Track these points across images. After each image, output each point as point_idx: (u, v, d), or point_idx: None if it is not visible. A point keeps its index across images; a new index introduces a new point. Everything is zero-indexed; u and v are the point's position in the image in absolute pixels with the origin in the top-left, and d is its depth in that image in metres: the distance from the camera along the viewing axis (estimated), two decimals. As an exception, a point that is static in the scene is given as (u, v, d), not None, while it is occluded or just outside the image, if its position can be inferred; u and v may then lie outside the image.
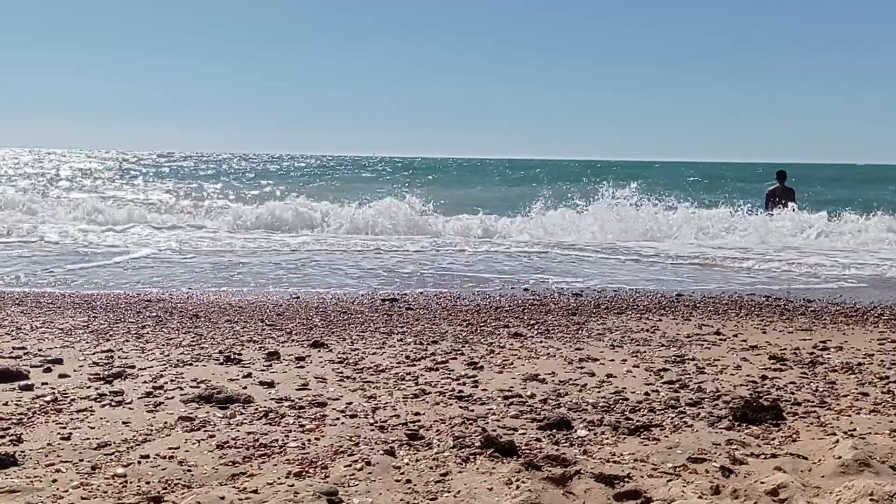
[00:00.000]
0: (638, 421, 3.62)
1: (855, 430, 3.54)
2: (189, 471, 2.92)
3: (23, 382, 4.05)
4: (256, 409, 3.73)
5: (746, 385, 4.36)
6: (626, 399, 4.02)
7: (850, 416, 3.78)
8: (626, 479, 2.86)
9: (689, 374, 4.58)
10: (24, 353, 4.76)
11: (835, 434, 3.45)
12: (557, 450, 3.20)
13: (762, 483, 2.77)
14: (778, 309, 7.12)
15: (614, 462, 3.07)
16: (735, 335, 5.83)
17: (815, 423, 3.65)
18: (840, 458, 2.98)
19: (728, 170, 61.58)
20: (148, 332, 5.53)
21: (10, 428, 3.36)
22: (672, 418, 3.69)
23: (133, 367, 4.49)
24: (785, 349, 5.33)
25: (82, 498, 2.66)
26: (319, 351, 5.04)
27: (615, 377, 4.47)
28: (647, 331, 5.96)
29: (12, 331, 5.47)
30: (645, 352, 5.19)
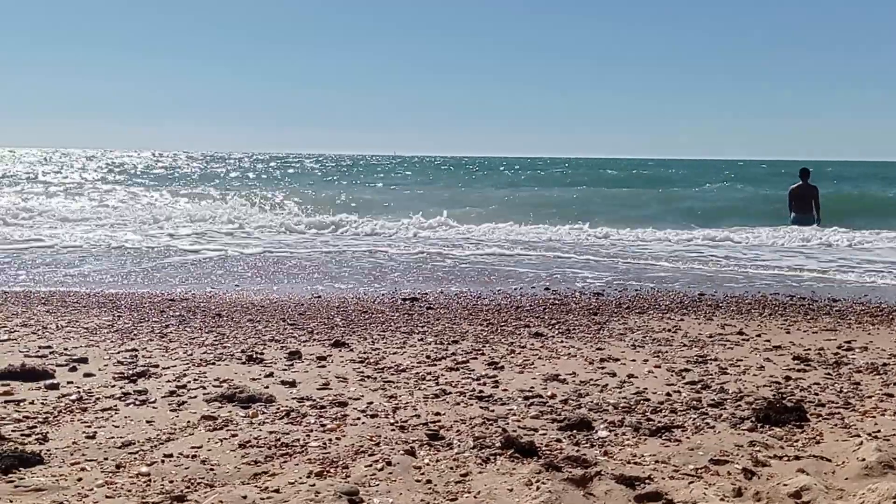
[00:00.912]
0: (659, 422, 3.61)
1: (879, 431, 3.50)
2: (212, 470, 2.95)
3: (48, 381, 4.10)
4: (278, 408, 3.75)
5: (770, 386, 4.32)
6: (648, 400, 4.00)
7: (874, 417, 3.74)
8: (647, 481, 2.84)
9: (711, 374, 4.55)
10: (50, 353, 4.82)
11: (859, 436, 3.42)
12: (578, 451, 3.19)
13: (785, 485, 2.75)
14: (802, 308, 7.05)
15: (635, 463, 3.06)
16: (758, 335, 5.79)
17: (839, 425, 3.61)
18: (864, 460, 2.95)
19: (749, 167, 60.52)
20: (171, 332, 5.58)
21: (36, 427, 3.41)
22: (694, 419, 3.67)
23: (157, 366, 4.54)
24: (809, 349, 5.28)
25: (107, 496, 2.69)
26: (340, 350, 5.07)
27: (636, 377, 4.46)
28: (669, 330, 5.93)
29: (38, 330, 5.54)
30: (667, 352, 5.16)
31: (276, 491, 2.74)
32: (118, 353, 4.88)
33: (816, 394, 4.16)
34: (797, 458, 3.14)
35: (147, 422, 3.52)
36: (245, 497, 2.68)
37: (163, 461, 3.03)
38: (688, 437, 3.40)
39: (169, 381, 4.22)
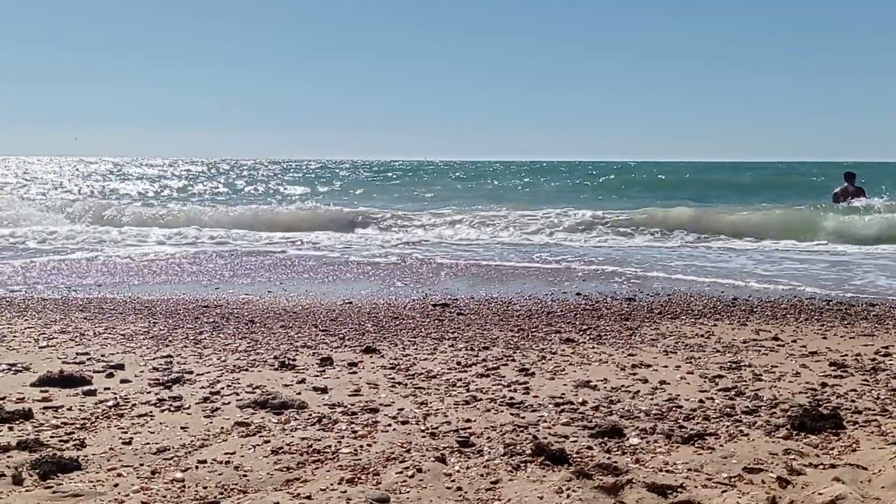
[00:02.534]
0: (692, 429, 3.58)
1: (918, 439, 3.44)
2: (245, 476, 2.99)
3: (86, 388, 4.18)
4: (310, 414, 3.79)
5: (805, 392, 4.27)
6: (680, 406, 3.97)
7: (913, 425, 3.67)
8: (679, 489, 2.82)
9: (745, 380, 4.50)
10: (88, 359, 4.91)
11: (897, 444, 3.36)
12: (609, 458, 3.18)
13: (820, 494, 2.71)
14: (839, 313, 6.94)
15: (667, 471, 3.04)
16: (794, 341, 5.71)
17: (876, 433, 3.55)
18: (902, 469, 2.90)
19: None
20: (205, 338, 5.65)
21: (73, 433, 3.47)
22: (727, 427, 3.63)
23: (191, 372, 4.60)
24: (846, 355, 5.20)
25: (142, 502, 2.73)
26: (371, 356, 5.09)
27: (668, 384, 4.42)
28: (702, 336, 5.87)
29: (76, 336, 5.64)
30: (699, 358, 5.11)
31: (308, 497, 2.77)
32: (154, 359, 4.95)
33: (853, 401, 4.09)
34: (833, 466, 3.10)
35: (182, 428, 3.57)
36: (277, 503, 2.71)
37: (197, 467, 3.07)
38: (721, 445, 3.36)
39: (203, 387, 4.28)
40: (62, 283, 8.74)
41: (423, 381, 4.47)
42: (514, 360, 4.99)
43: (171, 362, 4.86)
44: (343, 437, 3.45)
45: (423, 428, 3.59)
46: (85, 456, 3.16)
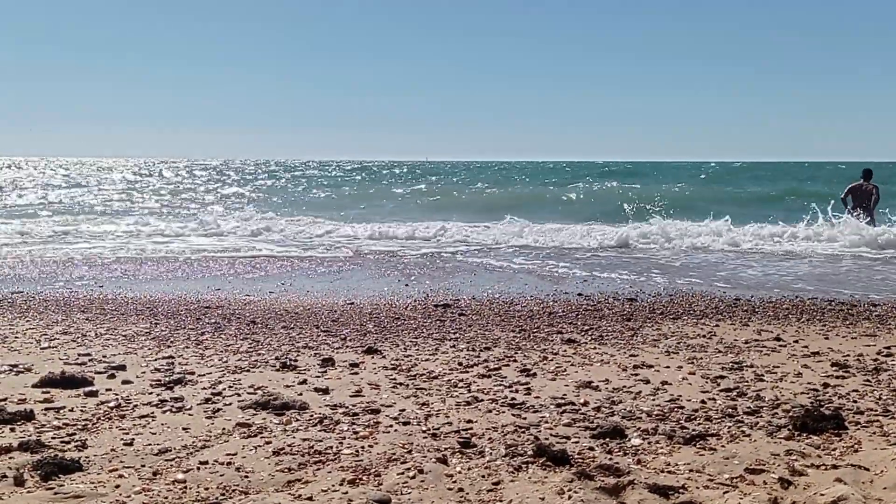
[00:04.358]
0: (694, 430, 3.57)
1: (921, 440, 3.43)
2: (246, 477, 2.98)
3: (88, 389, 4.18)
4: (311, 415, 3.79)
5: (807, 393, 4.26)
6: (682, 407, 3.96)
7: (915, 425, 3.67)
8: (681, 490, 2.82)
9: (747, 381, 4.50)
10: (90, 360, 4.91)
11: (899, 445, 3.35)
12: (611, 459, 3.17)
13: (822, 495, 2.71)
14: (841, 314, 6.94)
15: (669, 472, 3.03)
16: (796, 341, 5.70)
17: (878, 433, 3.55)
18: (904, 470, 2.90)
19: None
20: (207, 339, 5.65)
21: (75, 434, 3.47)
22: (729, 427, 3.63)
23: (193, 373, 4.60)
24: (848, 356, 5.19)
25: (143, 503, 2.73)
26: (373, 357, 5.09)
27: (670, 384, 4.42)
28: (704, 336, 5.87)
29: (78, 337, 5.64)
30: (701, 358, 5.11)
31: (310, 498, 2.77)
32: (155, 360, 4.95)
33: (855, 401, 4.09)
34: (835, 466, 3.09)
35: (183, 429, 3.57)
36: (279, 504, 2.71)
37: (198, 468, 3.07)
38: (723, 446, 3.36)
39: (204, 388, 4.28)
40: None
41: (424, 381, 4.46)
42: (515, 361, 4.99)
43: (172, 363, 4.86)
44: (344, 438, 3.45)
45: (424, 429, 3.59)
46: (86, 457, 3.16)
